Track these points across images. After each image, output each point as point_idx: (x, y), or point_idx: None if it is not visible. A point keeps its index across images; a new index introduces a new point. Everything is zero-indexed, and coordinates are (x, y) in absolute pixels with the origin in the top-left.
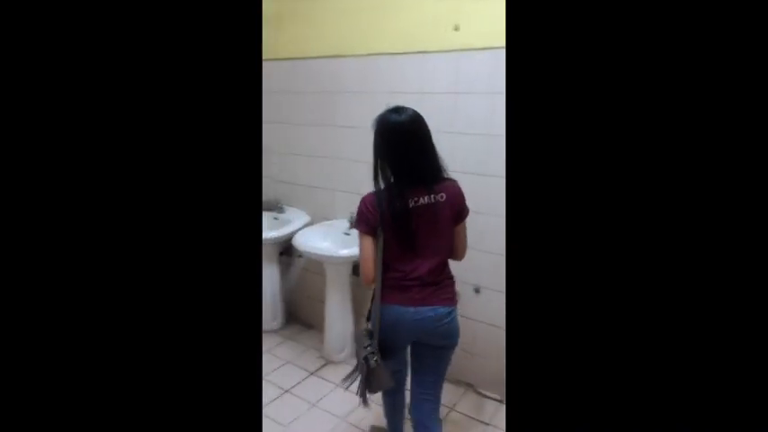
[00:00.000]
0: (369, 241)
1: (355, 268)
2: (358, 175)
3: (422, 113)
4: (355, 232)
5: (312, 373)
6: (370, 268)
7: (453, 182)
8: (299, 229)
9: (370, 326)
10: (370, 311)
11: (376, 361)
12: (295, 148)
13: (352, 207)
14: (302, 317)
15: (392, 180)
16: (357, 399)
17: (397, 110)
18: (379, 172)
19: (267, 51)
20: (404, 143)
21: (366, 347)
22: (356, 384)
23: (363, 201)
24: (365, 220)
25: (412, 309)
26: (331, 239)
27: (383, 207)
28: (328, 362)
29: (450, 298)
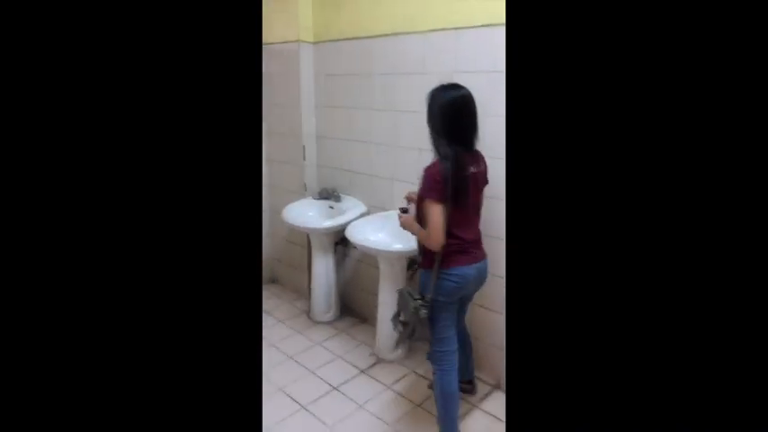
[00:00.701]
0: (439, 209)
1: (410, 263)
2: (418, 164)
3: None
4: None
5: (362, 371)
6: (441, 235)
7: (480, 153)
8: (354, 219)
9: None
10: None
11: (425, 313)
12: (352, 133)
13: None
14: (356, 309)
15: (450, 151)
16: (407, 405)
17: (455, 86)
18: (439, 142)
19: (323, 33)
20: (462, 116)
21: (417, 299)
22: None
23: (430, 171)
24: (436, 189)
25: (474, 266)
26: (386, 232)
27: (448, 176)
28: (380, 360)
29: (484, 251)
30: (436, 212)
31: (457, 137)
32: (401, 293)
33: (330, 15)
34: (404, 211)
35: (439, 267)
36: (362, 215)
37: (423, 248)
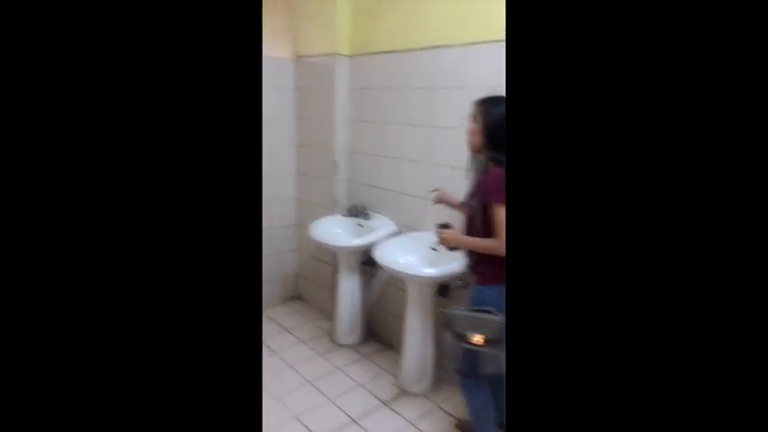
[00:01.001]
0: (504, 212)
1: (441, 288)
2: (452, 183)
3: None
4: (443, 251)
5: (384, 403)
6: (504, 239)
7: None
8: (384, 238)
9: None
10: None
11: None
12: (385, 149)
13: (443, 219)
14: (382, 334)
15: (505, 162)
16: None
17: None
18: (497, 151)
19: (359, 46)
20: None
21: (496, 314)
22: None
23: (496, 176)
24: (501, 192)
25: None
26: (416, 254)
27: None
28: (403, 392)
29: None
30: (503, 215)
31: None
32: (459, 314)
33: (367, 28)
34: (444, 226)
35: (500, 280)
36: (392, 235)
37: (483, 261)
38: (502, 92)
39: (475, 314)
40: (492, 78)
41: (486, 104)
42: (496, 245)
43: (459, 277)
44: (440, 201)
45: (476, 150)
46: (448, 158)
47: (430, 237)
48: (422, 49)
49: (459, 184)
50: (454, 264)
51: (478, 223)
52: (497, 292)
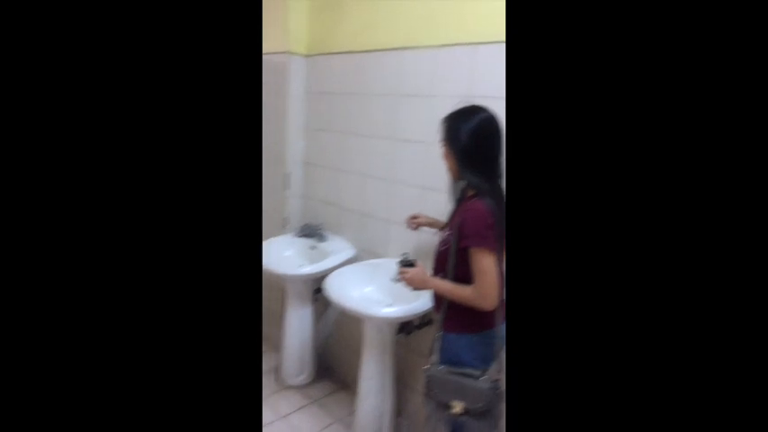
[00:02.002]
0: (493, 260)
1: (404, 325)
2: (419, 205)
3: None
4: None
5: None
6: (496, 292)
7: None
8: (339, 264)
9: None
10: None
11: (499, 389)
12: (344, 162)
13: (410, 245)
14: (337, 370)
15: (490, 186)
16: None
17: (476, 108)
18: (474, 176)
19: (317, 45)
20: (494, 144)
21: (478, 375)
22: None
23: (476, 212)
24: (489, 235)
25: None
26: (376, 285)
27: (497, 217)
28: None
29: None
30: (491, 265)
31: (491, 169)
32: (441, 377)
33: (326, 25)
34: (408, 264)
35: (482, 329)
36: (349, 261)
37: (456, 307)
38: (477, 102)
39: (456, 378)
40: (465, 86)
41: (454, 121)
42: (473, 296)
43: (424, 315)
44: (419, 226)
45: (453, 176)
46: (416, 177)
47: (393, 265)
48: (387, 49)
49: (431, 206)
50: (420, 301)
51: (452, 263)
52: (469, 343)
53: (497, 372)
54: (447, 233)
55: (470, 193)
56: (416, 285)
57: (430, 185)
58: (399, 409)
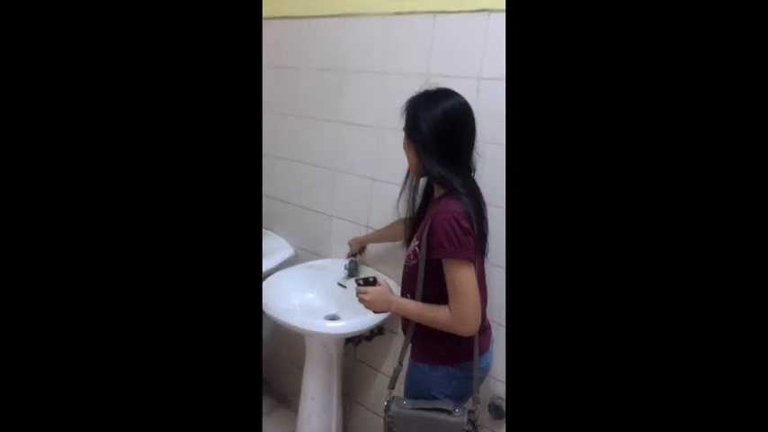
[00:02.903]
0: (472, 273)
1: (351, 337)
2: (367, 198)
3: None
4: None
5: None
6: (478, 312)
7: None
8: (276, 267)
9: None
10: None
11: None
12: (279, 148)
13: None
14: (275, 383)
15: (463, 182)
16: None
17: (446, 92)
18: (442, 171)
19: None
20: (465, 135)
21: (455, 413)
22: None
23: (448, 215)
24: (466, 243)
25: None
26: (318, 291)
27: (474, 220)
28: None
29: None
30: (471, 279)
31: (462, 162)
32: (407, 414)
33: None
34: (369, 282)
35: (460, 360)
36: (287, 262)
37: (426, 332)
38: (440, 83)
39: (427, 414)
40: (424, 64)
41: (419, 107)
42: (449, 319)
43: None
44: (354, 247)
45: (413, 170)
46: (364, 166)
47: (338, 266)
48: (329, 16)
49: (381, 200)
50: (370, 315)
51: (421, 280)
52: (445, 376)
53: (474, 403)
54: (414, 243)
55: (439, 192)
56: (379, 308)
57: (381, 177)
58: (345, 427)
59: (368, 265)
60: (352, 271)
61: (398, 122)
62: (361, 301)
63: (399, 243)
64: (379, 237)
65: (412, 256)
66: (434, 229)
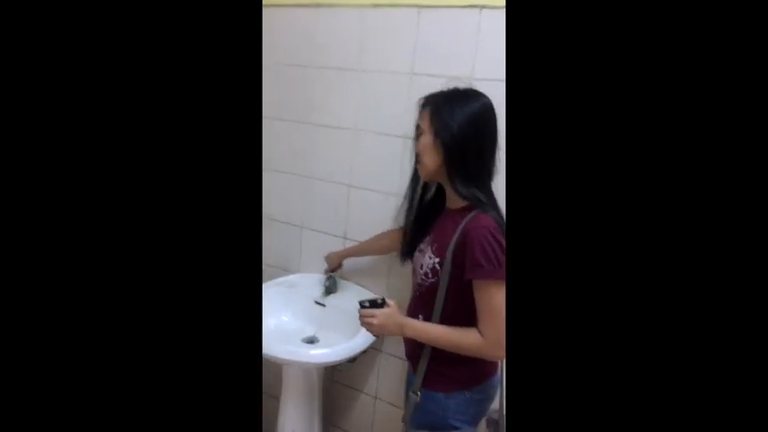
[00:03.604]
0: (503, 293)
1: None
2: (343, 207)
3: None
4: (338, 304)
5: None
6: (497, 337)
7: None
8: None
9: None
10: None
11: None
12: None
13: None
14: None
15: (487, 195)
16: None
17: (473, 93)
18: (470, 181)
19: None
20: (493, 141)
21: None
22: None
23: (489, 231)
24: (502, 263)
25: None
26: (293, 311)
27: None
28: None
29: None
30: (500, 300)
31: (487, 171)
32: None
33: None
34: (376, 304)
35: (480, 381)
36: None
37: (443, 357)
38: (419, 84)
39: None
40: (407, 61)
41: (447, 104)
42: (482, 343)
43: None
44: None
45: (429, 177)
46: (340, 172)
47: (311, 282)
48: (299, 5)
49: (359, 209)
50: (361, 336)
51: (441, 301)
52: (463, 402)
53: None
54: (433, 260)
55: (457, 203)
56: (388, 333)
57: (359, 183)
58: None
59: (346, 280)
60: (330, 287)
61: (378, 124)
62: (366, 325)
63: (383, 257)
64: (362, 250)
65: (430, 275)
66: (471, 247)
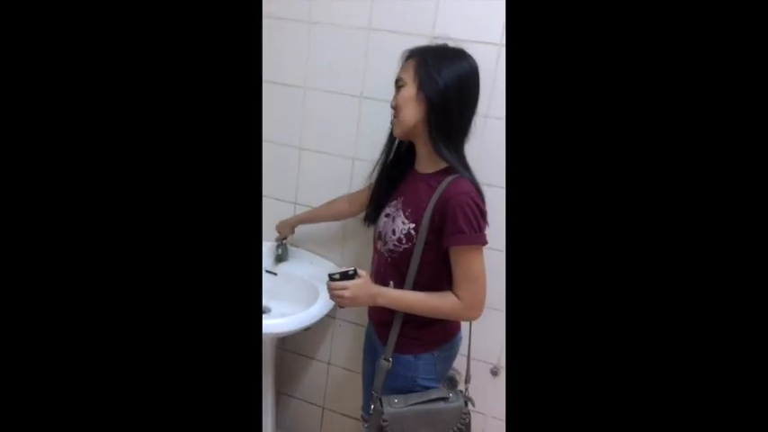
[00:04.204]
0: (483, 257)
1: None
2: (293, 170)
3: None
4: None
5: None
6: (485, 296)
7: None
8: None
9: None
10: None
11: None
12: None
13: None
14: None
15: (462, 158)
16: None
17: (459, 52)
18: (450, 143)
19: None
20: (475, 102)
21: (455, 396)
22: None
23: (470, 197)
24: (482, 227)
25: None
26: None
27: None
28: None
29: None
30: (483, 263)
31: (464, 135)
32: (404, 413)
33: None
34: (347, 276)
35: (446, 340)
36: None
37: (415, 321)
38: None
39: (425, 407)
40: (364, 17)
41: (436, 59)
42: (460, 306)
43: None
44: (283, 238)
45: (404, 134)
46: (289, 133)
47: (263, 251)
48: None
49: (311, 171)
50: (318, 305)
51: (415, 267)
52: (431, 361)
53: (457, 380)
54: (407, 226)
55: (431, 166)
56: (362, 304)
57: (309, 145)
58: (277, 425)
59: (297, 247)
60: (281, 256)
61: (329, 82)
62: (336, 298)
63: (336, 222)
64: (315, 216)
65: (404, 240)
66: (452, 213)
